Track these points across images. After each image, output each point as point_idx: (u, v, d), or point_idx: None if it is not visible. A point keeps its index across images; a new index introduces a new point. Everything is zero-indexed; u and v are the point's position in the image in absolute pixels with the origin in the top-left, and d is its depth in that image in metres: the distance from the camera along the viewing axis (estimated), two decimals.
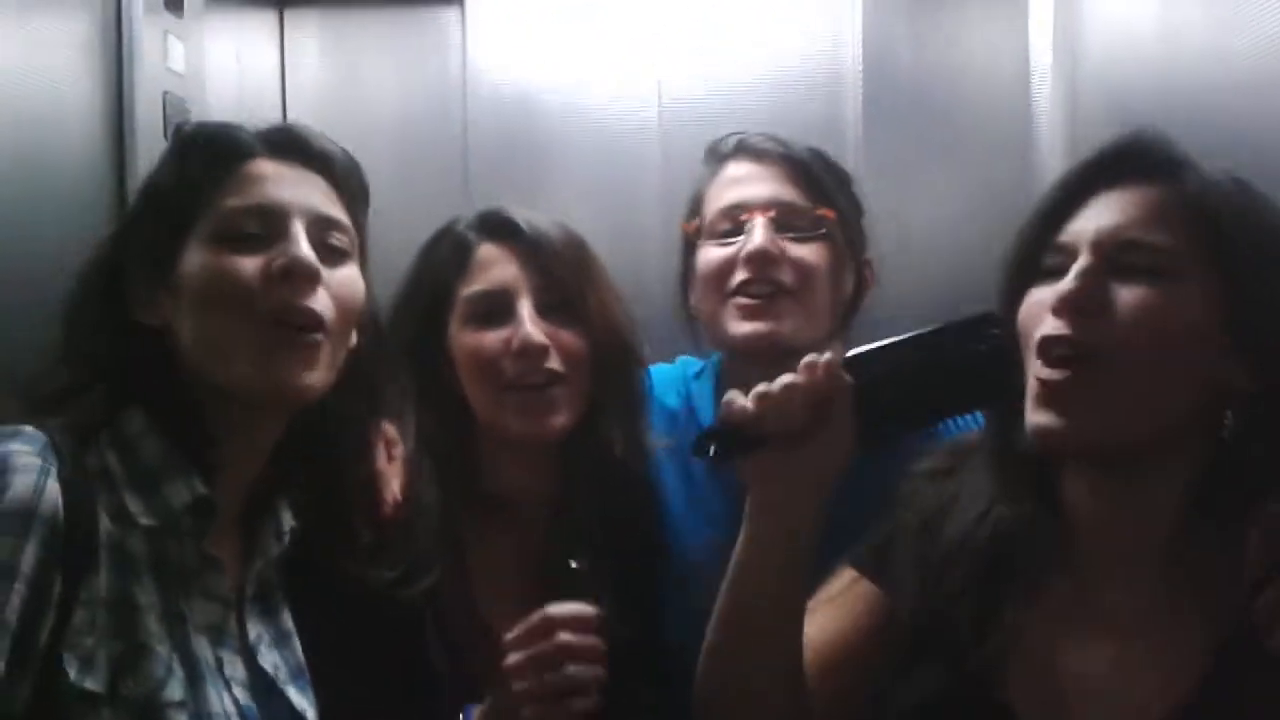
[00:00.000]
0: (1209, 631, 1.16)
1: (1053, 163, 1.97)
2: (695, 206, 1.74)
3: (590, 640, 1.33)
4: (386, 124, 2.19)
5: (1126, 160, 1.25)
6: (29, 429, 1.16)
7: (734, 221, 1.67)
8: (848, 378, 1.21)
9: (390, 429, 1.53)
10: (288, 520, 1.34)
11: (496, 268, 1.55)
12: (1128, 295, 1.18)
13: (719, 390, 1.75)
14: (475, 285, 1.55)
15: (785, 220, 1.65)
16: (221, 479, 1.25)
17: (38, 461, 1.13)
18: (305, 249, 1.24)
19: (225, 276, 1.22)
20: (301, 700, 1.31)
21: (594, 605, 1.34)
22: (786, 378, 1.20)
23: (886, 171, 2.06)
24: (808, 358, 1.22)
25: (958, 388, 1.23)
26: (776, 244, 1.63)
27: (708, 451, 1.23)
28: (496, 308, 1.54)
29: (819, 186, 1.68)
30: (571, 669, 1.31)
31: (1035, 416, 1.20)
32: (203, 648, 1.20)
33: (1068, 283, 1.19)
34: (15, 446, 1.14)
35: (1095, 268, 1.20)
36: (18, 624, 1.08)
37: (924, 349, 1.22)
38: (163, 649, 1.16)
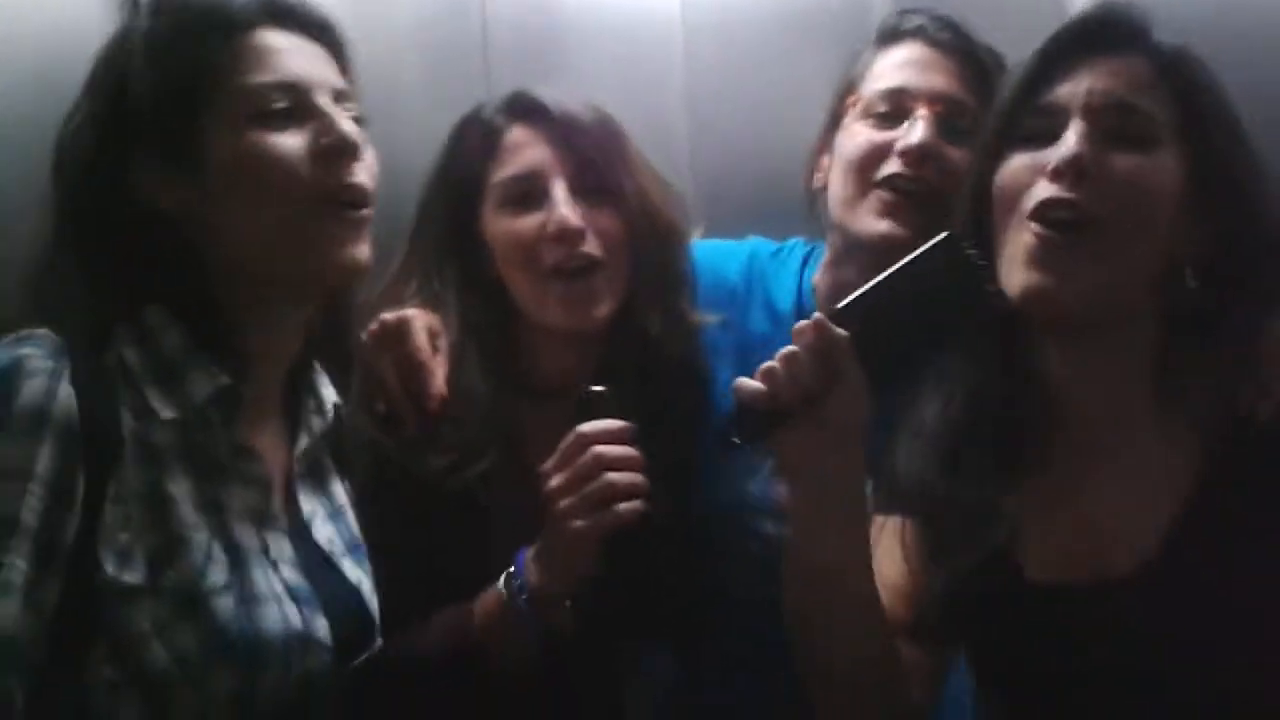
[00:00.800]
0: (1190, 464, 1.21)
1: None
2: (853, 81, 1.66)
3: (624, 450, 1.34)
4: (405, 20, 2.16)
5: (1104, 29, 1.27)
6: (41, 331, 1.17)
7: (896, 106, 1.59)
8: (841, 331, 1.20)
9: (433, 320, 1.53)
10: (330, 395, 1.34)
11: (527, 150, 1.54)
12: (1121, 161, 1.22)
13: (804, 274, 1.70)
14: (506, 170, 1.54)
15: (951, 119, 1.58)
16: (255, 365, 1.24)
17: (49, 364, 1.13)
18: (348, 124, 1.22)
19: (269, 158, 1.20)
20: (356, 571, 1.32)
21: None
22: (784, 350, 1.20)
23: None
24: (797, 325, 1.21)
25: (947, 309, 1.23)
26: (938, 142, 1.56)
27: (733, 440, 1.23)
28: (530, 191, 1.53)
29: (992, 90, 1.56)
30: (611, 475, 1.33)
31: (1027, 277, 1.22)
32: (245, 533, 1.21)
33: (1070, 146, 1.21)
34: (25, 351, 1.14)
35: (1091, 131, 1.22)
36: (38, 525, 1.09)
37: (905, 282, 1.22)
38: (200, 537, 1.16)
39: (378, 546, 1.38)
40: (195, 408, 1.20)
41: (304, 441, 1.32)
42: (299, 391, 1.33)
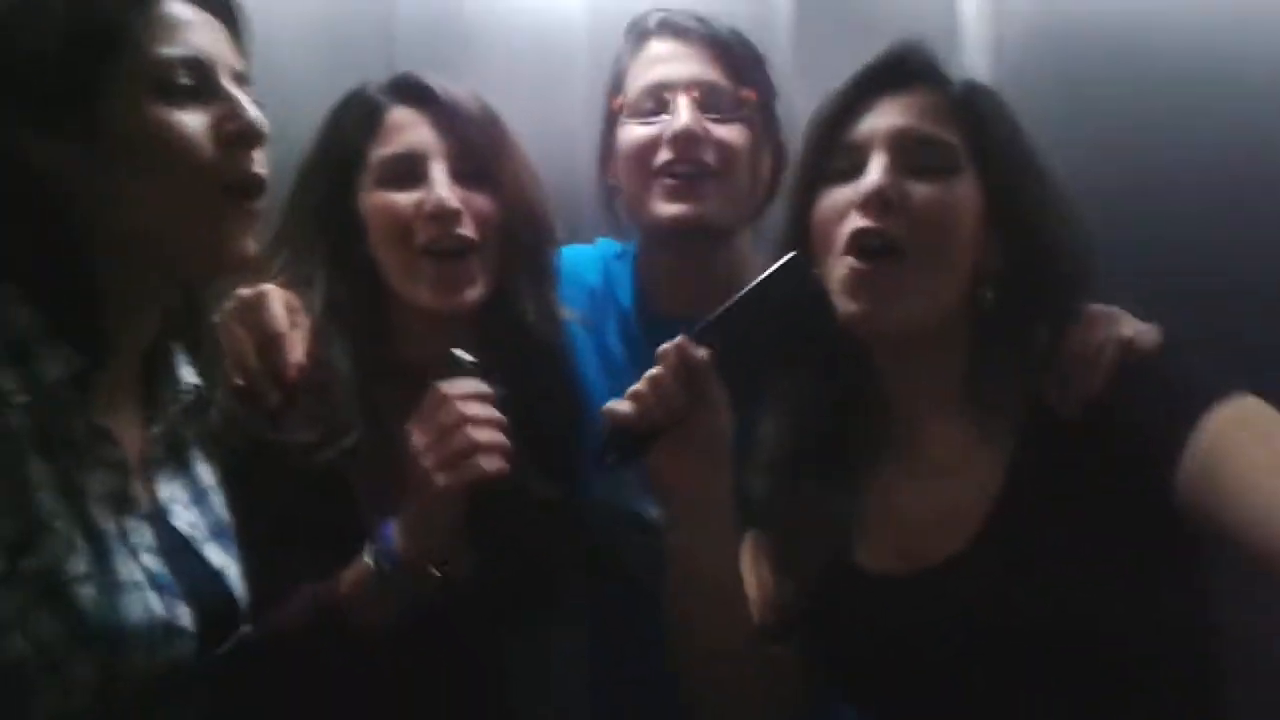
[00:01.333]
0: (1002, 453, 1.30)
1: (979, 66, 1.98)
2: (617, 83, 1.72)
3: (487, 408, 1.37)
4: (312, 10, 2.15)
5: (900, 66, 1.37)
6: None
7: (657, 100, 1.67)
8: (700, 351, 1.27)
9: (291, 296, 1.53)
10: (187, 377, 1.32)
11: (409, 131, 1.54)
12: (923, 190, 1.31)
13: (636, 274, 1.78)
14: (387, 148, 1.54)
15: (708, 100, 1.66)
16: (113, 347, 1.22)
17: None
18: (255, 110, 1.21)
19: (171, 136, 1.17)
20: (221, 557, 1.30)
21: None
22: (650, 372, 1.28)
23: (816, 69, 2.03)
24: (661, 347, 1.28)
25: (796, 326, 1.32)
26: (701, 124, 1.64)
27: (609, 461, 1.29)
28: (409, 170, 1.53)
29: (740, 67, 1.69)
30: (471, 430, 1.35)
31: (848, 305, 1.31)
32: (105, 519, 1.18)
33: (873, 179, 1.30)
34: None
35: (893, 164, 1.31)
36: None
37: (757, 301, 1.30)
38: (61, 524, 1.14)
39: (244, 526, 1.37)
40: (47, 389, 1.16)
41: (160, 424, 1.29)
42: (156, 374, 1.30)
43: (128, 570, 1.18)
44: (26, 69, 1.16)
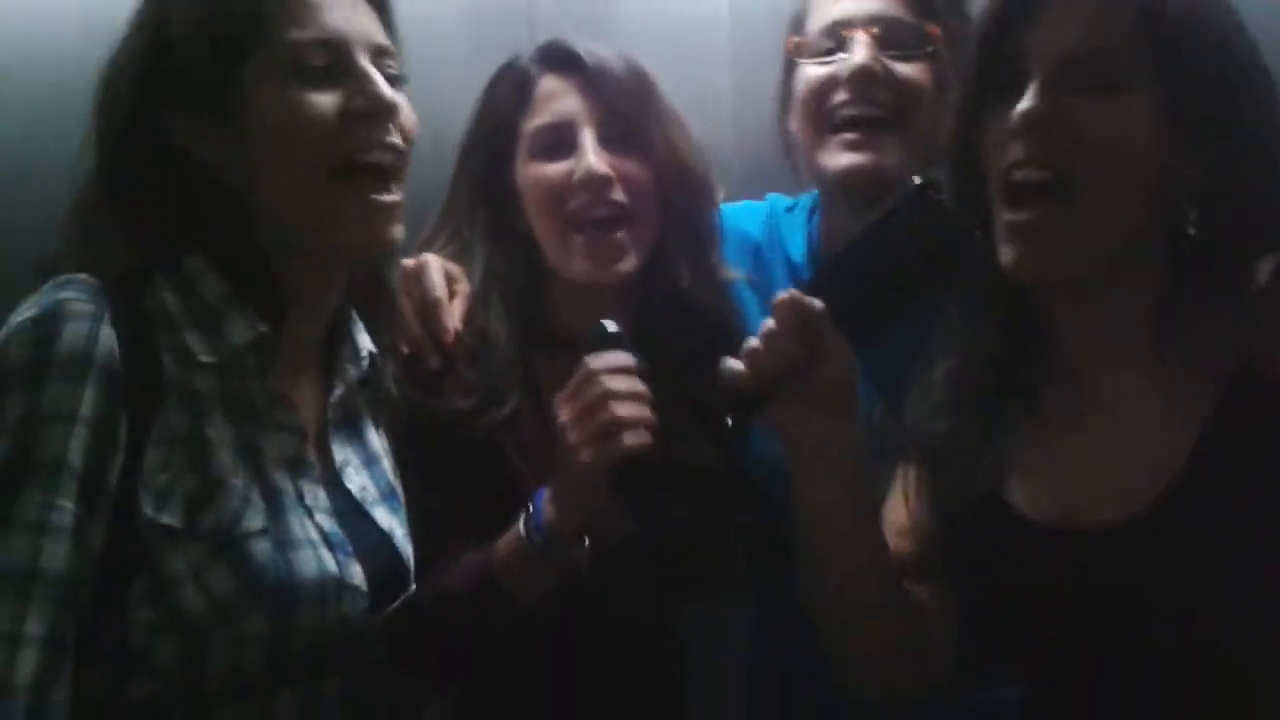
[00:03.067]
0: (1194, 413, 1.19)
1: None
2: (798, 23, 1.66)
3: (631, 383, 1.35)
4: None
5: None
6: (81, 276, 1.17)
7: (836, 39, 1.59)
8: (816, 302, 1.20)
9: (453, 266, 1.55)
10: (365, 345, 1.35)
11: (558, 100, 1.54)
12: (1088, 111, 1.18)
13: (815, 227, 1.72)
14: (538, 118, 1.54)
15: (889, 37, 1.57)
16: (293, 314, 1.26)
17: (90, 308, 1.14)
18: (384, 85, 1.23)
19: (302, 116, 1.20)
20: (390, 519, 1.34)
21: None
22: (764, 327, 1.21)
23: None
24: (775, 299, 1.21)
25: (923, 263, 1.23)
26: (879, 61, 1.56)
27: (730, 422, 1.25)
28: (560, 140, 1.53)
29: (932, 3, 1.60)
30: (615, 406, 1.33)
31: (1010, 255, 1.21)
32: (280, 479, 1.22)
33: (1027, 102, 1.18)
34: (66, 295, 1.15)
35: (1052, 83, 1.18)
36: (83, 466, 1.11)
37: (877, 241, 1.23)
38: (238, 481, 1.18)
39: (409, 491, 1.40)
40: (233, 353, 1.21)
41: (339, 390, 1.33)
42: (336, 341, 1.34)
43: (302, 528, 1.22)
44: (176, 59, 1.20)
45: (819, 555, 1.29)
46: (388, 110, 1.23)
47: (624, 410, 1.34)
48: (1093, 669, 1.23)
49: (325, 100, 1.21)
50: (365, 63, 1.23)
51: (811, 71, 1.61)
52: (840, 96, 1.58)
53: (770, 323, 1.21)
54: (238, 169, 1.22)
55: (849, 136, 1.57)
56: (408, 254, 1.50)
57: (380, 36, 1.27)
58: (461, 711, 1.57)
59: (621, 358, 1.37)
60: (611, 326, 1.39)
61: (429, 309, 1.51)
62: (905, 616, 1.31)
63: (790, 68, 1.66)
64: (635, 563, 1.47)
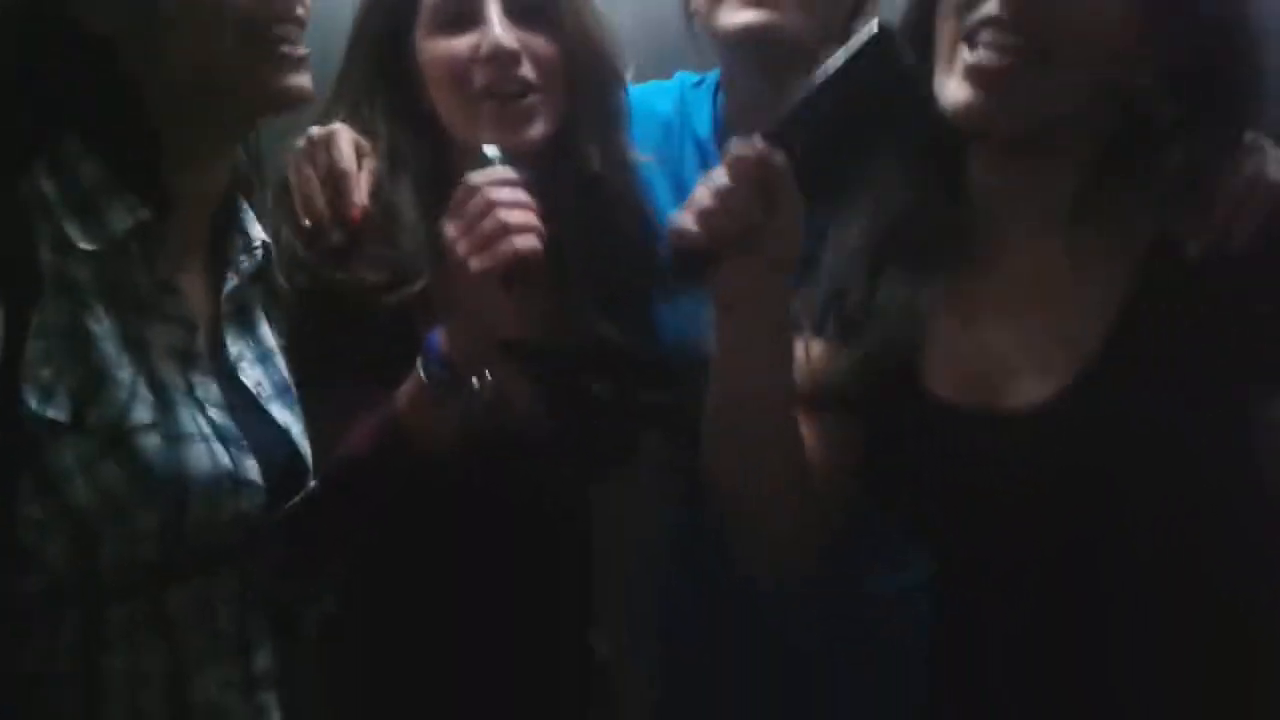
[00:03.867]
0: (1112, 294, 1.17)
1: None
2: None
3: (518, 192, 1.33)
4: None
5: None
6: None
7: None
8: (778, 155, 1.13)
9: (361, 139, 1.50)
10: (259, 234, 1.31)
11: None
12: None
13: (717, 100, 1.70)
14: None
15: None
16: (179, 201, 1.21)
17: None
18: None
19: None
20: (285, 415, 1.31)
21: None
22: (717, 183, 1.14)
23: None
24: (732, 152, 1.15)
25: (881, 115, 1.17)
26: None
27: (675, 284, 1.21)
28: (463, 12, 1.48)
29: None
30: (501, 213, 1.31)
31: (962, 95, 1.16)
32: (170, 372, 1.19)
33: None
34: None
35: None
36: None
37: (837, 91, 1.15)
38: (124, 374, 1.14)
39: (309, 368, 1.36)
40: (114, 240, 1.16)
41: (232, 281, 1.29)
42: (227, 231, 1.29)
43: (194, 422, 1.18)
44: None
45: (731, 426, 1.24)
46: None
47: (511, 216, 1.31)
48: (1009, 553, 1.22)
49: None
50: None
51: None
52: None
53: (724, 178, 1.14)
54: (138, 41, 1.17)
55: None
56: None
57: None
58: (355, 603, 1.53)
59: (504, 171, 1.34)
60: (493, 151, 1.36)
61: (337, 180, 1.46)
62: (809, 497, 1.28)
63: None
64: (542, 437, 1.45)
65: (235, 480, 1.19)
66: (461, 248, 1.32)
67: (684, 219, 1.15)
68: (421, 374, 1.36)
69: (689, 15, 1.64)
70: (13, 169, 1.14)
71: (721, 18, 1.56)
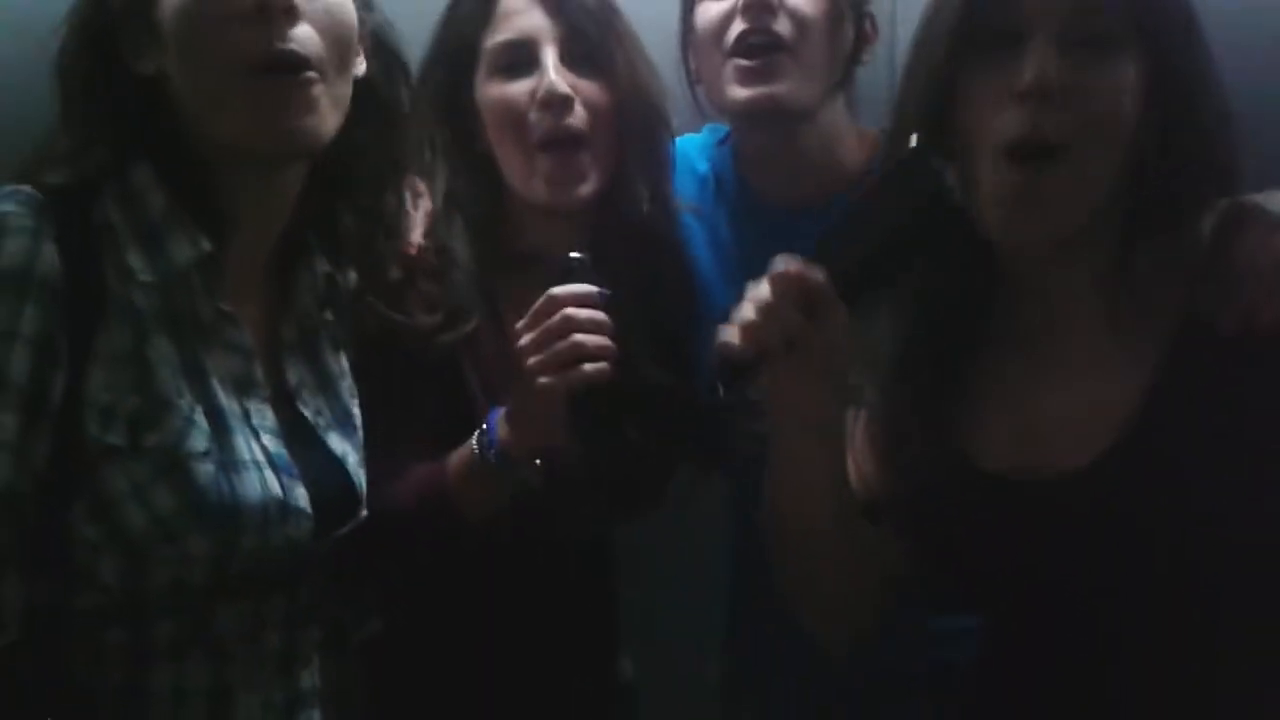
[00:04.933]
0: (1146, 362, 1.20)
1: None
2: None
3: (594, 314, 1.37)
4: None
5: None
6: (25, 189, 1.15)
7: None
8: (818, 272, 1.18)
9: (415, 180, 1.53)
10: (322, 266, 1.33)
11: (521, 17, 1.53)
12: (1088, 78, 1.17)
13: (735, 157, 1.74)
14: (499, 35, 1.53)
15: None
16: (239, 231, 1.24)
17: (31, 223, 1.12)
18: None
19: (200, 20, 1.17)
20: (344, 445, 1.32)
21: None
22: (761, 297, 1.18)
23: None
24: (773, 270, 1.19)
25: (920, 231, 1.21)
26: None
27: (718, 393, 1.23)
28: (521, 58, 1.53)
29: None
30: (578, 336, 1.35)
31: (1002, 218, 1.19)
32: (228, 399, 1.21)
33: (1034, 69, 1.16)
34: (7, 208, 1.13)
35: (1055, 44, 1.16)
36: (26, 383, 1.10)
37: (875, 209, 1.21)
38: (183, 402, 1.17)
39: (364, 406, 1.39)
40: (175, 272, 1.19)
41: (294, 312, 1.31)
42: (291, 262, 1.32)
43: (247, 449, 1.21)
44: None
45: (787, 505, 1.29)
46: (284, 6, 1.17)
47: (585, 339, 1.35)
48: (1051, 612, 1.25)
49: (224, 2, 1.17)
50: None
51: (710, 7, 1.63)
52: (737, 28, 1.59)
53: (767, 292, 1.18)
54: (169, 81, 1.20)
55: (747, 64, 1.58)
56: None
57: None
58: (397, 627, 1.57)
59: (586, 288, 1.38)
60: (578, 257, 1.40)
61: None
62: (864, 563, 1.32)
63: (689, 8, 1.67)
64: (582, 483, 1.48)
65: (285, 508, 1.21)
66: (533, 359, 1.36)
67: (729, 332, 1.19)
68: (476, 450, 1.41)
69: (692, 84, 1.70)
70: (86, 198, 1.18)
71: (725, 94, 1.62)
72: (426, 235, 1.52)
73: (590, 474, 1.49)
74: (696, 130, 1.79)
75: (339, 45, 1.22)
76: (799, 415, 1.24)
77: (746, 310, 1.19)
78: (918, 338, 1.30)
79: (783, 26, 1.58)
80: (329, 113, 1.21)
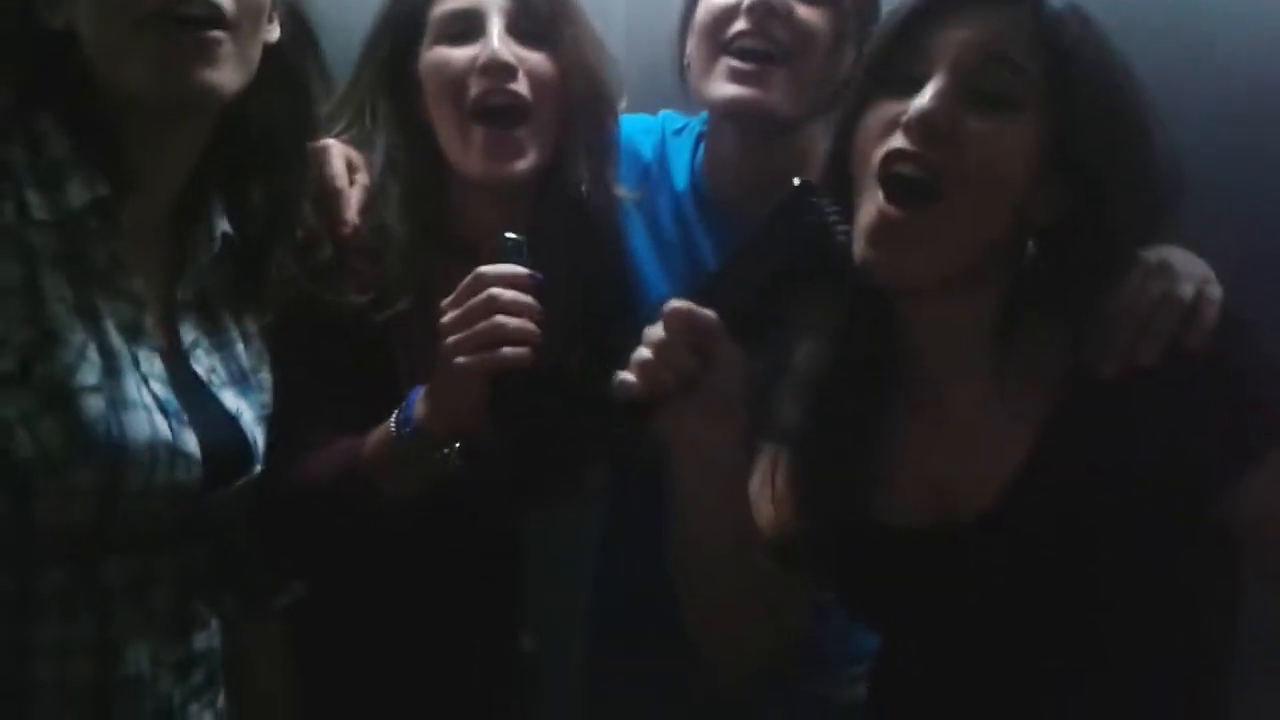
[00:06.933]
0: (1034, 417, 1.22)
1: None
2: None
3: (520, 296, 1.34)
4: None
5: None
6: None
7: None
8: (709, 313, 1.20)
9: (354, 153, 1.53)
10: (220, 225, 1.33)
11: None
12: (979, 122, 1.18)
13: (696, 154, 1.72)
14: (446, 4, 1.53)
15: None
16: (140, 183, 1.25)
17: None
18: None
19: None
20: (238, 402, 1.33)
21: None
22: (656, 338, 1.20)
23: None
24: (666, 309, 1.20)
25: (805, 267, 1.23)
26: None
27: (618, 433, 1.26)
28: (467, 27, 1.51)
29: None
30: (500, 318, 1.33)
31: (869, 252, 1.20)
32: (119, 344, 1.22)
33: (925, 101, 1.17)
34: None
35: (951, 88, 1.18)
36: None
37: (763, 249, 1.23)
38: (75, 337, 1.18)
39: (286, 378, 1.40)
40: (71, 214, 1.20)
41: (190, 270, 1.32)
42: (192, 221, 1.32)
43: (137, 391, 1.21)
44: None
45: (691, 540, 1.30)
46: None
47: (507, 321, 1.33)
48: (955, 639, 1.28)
49: None
50: None
51: None
52: (739, 26, 1.57)
53: (661, 333, 1.21)
54: (78, 31, 1.21)
55: (740, 66, 1.57)
56: None
57: None
58: (312, 595, 1.56)
59: (515, 269, 1.36)
60: (513, 238, 1.38)
61: (328, 198, 1.49)
62: (766, 597, 1.33)
63: None
64: (499, 468, 1.47)
65: (172, 450, 1.22)
66: (453, 340, 1.34)
67: (624, 373, 1.21)
68: (393, 429, 1.39)
69: (682, 65, 1.67)
70: None
71: (711, 88, 1.60)
72: (363, 211, 1.50)
73: (508, 460, 1.48)
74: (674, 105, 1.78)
75: (251, 6, 1.24)
76: (697, 453, 1.25)
77: (642, 350, 1.21)
78: (818, 386, 1.31)
79: (784, 35, 1.56)
80: (233, 70, 1.23)
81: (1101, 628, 1.20)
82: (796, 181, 1.22)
